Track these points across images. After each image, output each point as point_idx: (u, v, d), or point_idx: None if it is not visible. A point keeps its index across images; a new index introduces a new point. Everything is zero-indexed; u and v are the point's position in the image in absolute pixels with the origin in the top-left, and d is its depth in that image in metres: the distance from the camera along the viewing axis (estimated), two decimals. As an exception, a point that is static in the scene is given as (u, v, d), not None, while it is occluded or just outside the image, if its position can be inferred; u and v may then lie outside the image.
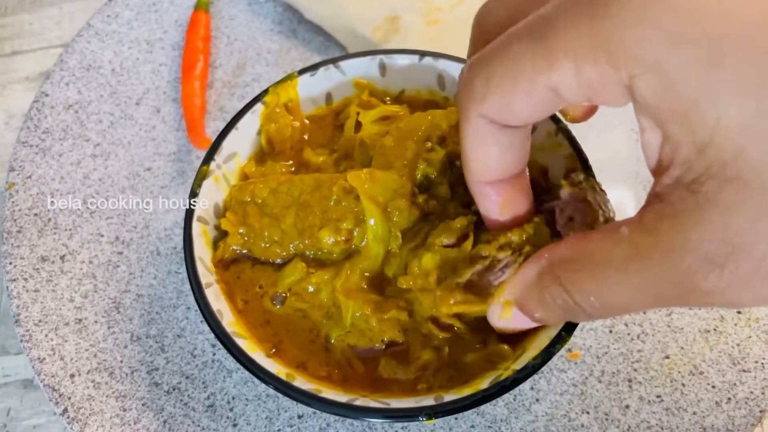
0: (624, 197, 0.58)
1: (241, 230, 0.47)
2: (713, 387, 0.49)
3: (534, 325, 0.37)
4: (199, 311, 0.44)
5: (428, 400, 0.40)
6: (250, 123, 0.51)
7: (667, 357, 0.51)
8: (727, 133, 0.25)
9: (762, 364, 0.50)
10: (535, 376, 0.50)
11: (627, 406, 0.49)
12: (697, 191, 0.27)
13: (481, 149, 0.36)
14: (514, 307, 0.37)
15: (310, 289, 0.45)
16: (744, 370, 0.50)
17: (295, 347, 0.44)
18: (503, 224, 0.40)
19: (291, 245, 0.46)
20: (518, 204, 0.39)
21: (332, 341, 0.44)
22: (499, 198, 0.38)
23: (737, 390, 0.49)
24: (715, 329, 0.52)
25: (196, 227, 0.46)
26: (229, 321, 0.44)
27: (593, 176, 0.44)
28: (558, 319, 0.35)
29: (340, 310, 0.44)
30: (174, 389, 0.51)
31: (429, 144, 0.46)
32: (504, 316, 0.37)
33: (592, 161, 0.48)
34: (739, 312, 0.52)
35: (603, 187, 0.42)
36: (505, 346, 0.43)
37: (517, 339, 0.43)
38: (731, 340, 0.51)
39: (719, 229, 0.26)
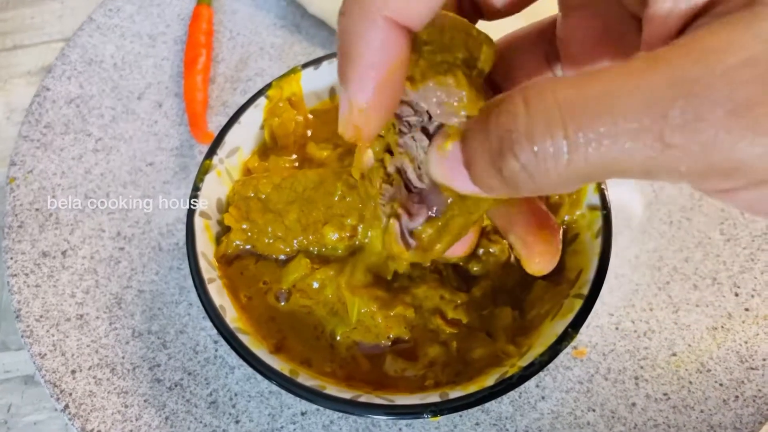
0: (630, 194, 0.57)
1: (244, 226, 0.47)
2: (721, 385, 0.49)
3: (466, 185, 0.27)
4: (201, 307, 0.43)
5: (433, 397, 0.40)
6: (253, 117, 0.51)
7: (674, 354, 0.50)
8: None
9: (770, 361, 0.50)
10: (541, 374, 0.49)
11: (633, 404, 0.48)
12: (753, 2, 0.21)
13: None
14: (457, 139, 0.27)
15: (315, 285, 0.44)
16: (752, 368, 0.49)
17: (300, 344, 0.44)
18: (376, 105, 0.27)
19: (295, 241, 0.46)
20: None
21: (338, 338, 0.44)
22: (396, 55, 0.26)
23: (745, 388, 0.48)
24: (722, 326, 0.51)
25: (199, 222, 0.46)
26: (232, 317, 0.43)
27: None
28: (489, 169, 0.24)
29: (346, 306, 0.43)
30: (176, 385, 0.50)
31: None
32: (442, 147, 0.28)
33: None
34: (746, 309, 0.52)
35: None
36: (511, 347, 0.42)
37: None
38: (739, 338, 0.51)
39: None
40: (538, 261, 0.34)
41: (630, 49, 0.29)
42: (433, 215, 0.33)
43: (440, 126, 0.30)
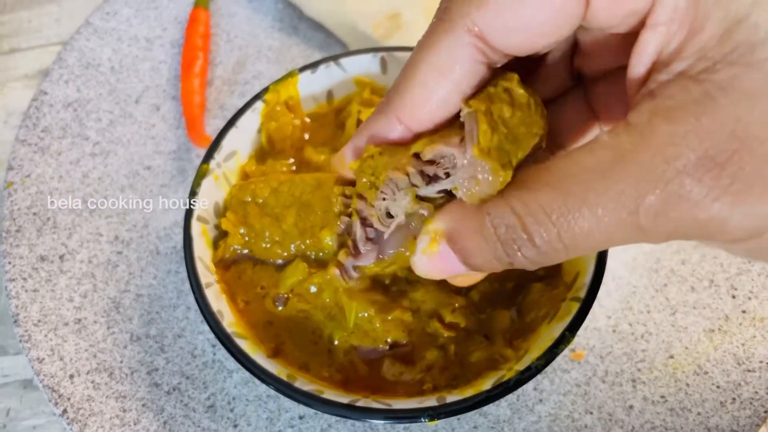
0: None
1: (241, 230, 0.47)
2: (718, 387, 0.49)
3: (458, 272, 0.31)
4: (199, 311, 0.43)
5: (431, 401, 0.40)
6: (251, 121, 0.51)
7: (672, 357, 0.50)
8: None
9: (767, 364, 0.50)
10: (539, 377, 0.49)
11: (631, 407, 0.48)
12: (707, 80, 0.24)
13: (436, 79, 0.30)
14: (443, 240, 0.30)
15: (313, 289, 0.44)
16: (749, 370, 0.49)
17: (298, 348, 0.44)
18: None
19: (292, 245, 0.46)
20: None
21: (335, 342, 0.44)
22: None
23: (742, 390, 0.49)
24: (719, 329, 0.51)
25: (196, 226, 0.46)
26: (229, 321, 0.43)
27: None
28: (491, 259, 0.29)
29: (343, 311, 0.43)
30: (174, 390, 0.50)
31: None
32: (429, 251, 0.31)
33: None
34: (743, 312, 0.52)
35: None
36: (509, 350, 0.42)
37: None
38: (736, 340, 0.51)
39: (730, 120, 0.24)
40: (458, 280, 0.36)
41: None
42: (383, 257, 0.37)
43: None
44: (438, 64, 0.29)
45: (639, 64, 0.27)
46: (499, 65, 0.31)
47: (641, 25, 0.27)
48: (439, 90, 0.30)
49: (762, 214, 0.24)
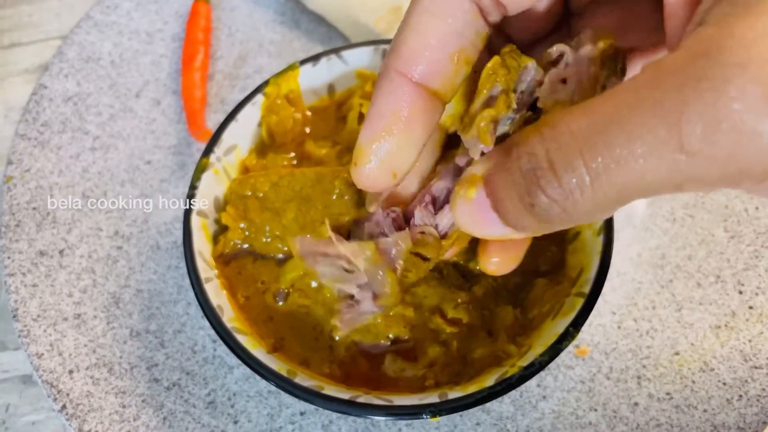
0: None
1: (241, 225, 0.46)
2: (724, 384, 0.48)
3: (495, 227, 0.28)
4: (199, 306, 0.43)
5: (432, 398, 0.40)
6: (251, 115, 0.50)
7: (677, 353, 0.50)
8: None
9: (774, 360, 0.49)
10: (542, 373, 0.49)
11: (636, 404, 0.48)
12: None
13: (431, 15, 0.28)
14: (480, 184, 0.27)
15: (313, 284, 0.44)
16: (755, 367, 0.49)
17: (299, 344, 0.44)
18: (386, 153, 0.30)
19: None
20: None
21: (336, 338, 0.43)
22: (410, 113, 0.29)
23: (749, 387, 0.48)
24: (726, 325, 0.50)
25: (196, 221, 0.46)
26: (229, 317, 0.43)
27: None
28: (517, 203, 0.25)
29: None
30: (174, 385, 0.50)
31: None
32: (467, 194, 0.28)
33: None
34: (750, 308, 0.51)
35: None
36: (512, 346, 0.42)
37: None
38: (742, 337, 0.50)
39: None
40: (493, 263, 0.35)
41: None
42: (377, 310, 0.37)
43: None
44: (430, 8, 0.28)
45: None
46: (490, 18, 0.30)
47: None
48: (434, 32, 0.28)
49: None
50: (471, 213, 0.28)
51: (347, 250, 0.35)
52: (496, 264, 0.35)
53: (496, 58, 0.30)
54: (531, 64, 0.30)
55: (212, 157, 0.47)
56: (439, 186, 0.35)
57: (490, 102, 0.29)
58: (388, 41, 0.52)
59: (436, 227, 0.35)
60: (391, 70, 0.29)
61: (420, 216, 0.35)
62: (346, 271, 0.36)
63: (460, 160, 0.33)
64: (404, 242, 0.35)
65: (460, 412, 0.47)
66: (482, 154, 0.29)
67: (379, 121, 0.30)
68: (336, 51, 0.52)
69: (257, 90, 0.50)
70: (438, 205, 0.35)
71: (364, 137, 0.30)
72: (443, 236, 0.35)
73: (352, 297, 0.37)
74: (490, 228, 0.28)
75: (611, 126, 0.21)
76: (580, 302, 0.41)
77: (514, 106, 0.29)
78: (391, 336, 0.43)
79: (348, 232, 0.39)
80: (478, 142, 0.28)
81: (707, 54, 0.20)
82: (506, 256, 0.35)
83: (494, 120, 0.28)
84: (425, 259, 0.36)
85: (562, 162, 0.23)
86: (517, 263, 0.35)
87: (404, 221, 0.36)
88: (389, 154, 0.30)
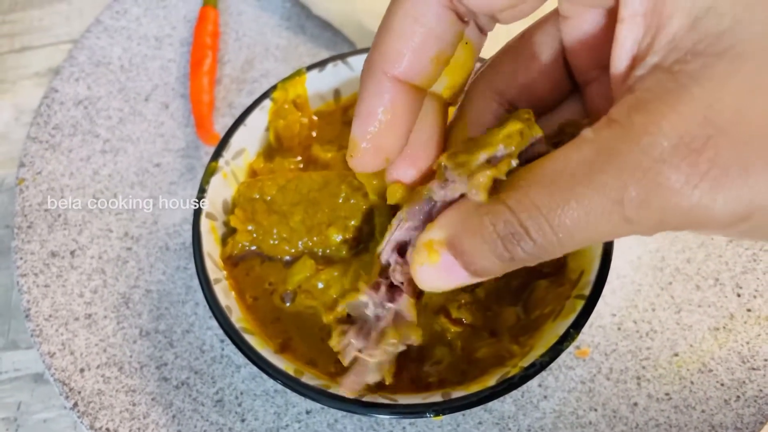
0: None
1: (249, 227, 0.47)
2: (722, 385, 0.49)
3: (463, 281, 0.31)
4: (207, 307, 0.44)
5: (436, 397, 0.41)
6: (259, 119, 0.51)
7: (676, 355, 0.50)
8: None
9: (771, 362, 0.50)
10: (543, 373, 0.50)
11: (635, 404, 0.49)
12: (680, 71, 0.25)
13: (413, 20, 0.31)
14: (443, 248, 0.30)
15: (320, 285, 0.45)
16: (753, 368, 0.50)
17: (305, 344, 0.45)
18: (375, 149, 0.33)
19: (299, 242, 0.46)
20: (420, 130, 0.35)
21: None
22: (394, 107, 0.32)
23: (746, 388, 0.49)
24: (724, 327, 0.51)
25: (205, 223, 0.47)
26: (237, 317, 0.44)
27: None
28: (493, 259, 0.29)
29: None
30: (183, 384, 0.51)
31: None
32: (429, 260, 0.31)
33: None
34: (748, 310, 0.52)
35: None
36: (515, 346, 0.43)
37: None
38: (741, 338, 0.51)
39: (702, 107, 0.24)
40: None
41: None
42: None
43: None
44: (412, 12, 0.31)
45: (619, 60, 0.28)
46: (466, 19, 0.32)
47: (614, 18, 0.28)
48: (414, 37, 0.31)
49: (743, 198, 0.24)
50: (437, 275, 0.31)
51: (379, 357, 0.38)
52: None
53: (519, 125, 0.31)
54: (541, 136, 0.32)
55: (221, 161, 0.48)
56: (405, 229, 0.37)
57: (493, 161, 0.31)
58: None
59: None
60: (377, 70, 0.32)
61: (400, 273, 0.38)
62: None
63: (438, 194, 0.34)
64: (408, 305, 0.38)
65: (463, 412, 0.48)
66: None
67: (368, 115, 0.33)
68: (342, 57, 0.53)
69: (265, 95, 0.51)
70: (400, 246, 0.38)
71: (356, 131, 0.33)
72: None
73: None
74: (456, 281, 0.31)
75: (569, 202, 0.26)
76: (580, 304, 0.42)
77: (512, 168, 0.31)
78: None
79: (348, 315, 0.40)
80: (472, 191, 0.30)
81: (640, 143, 0.25)
82: None
83: (494, 179, 0.30)
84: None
85: (533, 228, 0.27)
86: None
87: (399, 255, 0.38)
88: (380, 143, 0.33)
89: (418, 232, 0.37)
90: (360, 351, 0.38)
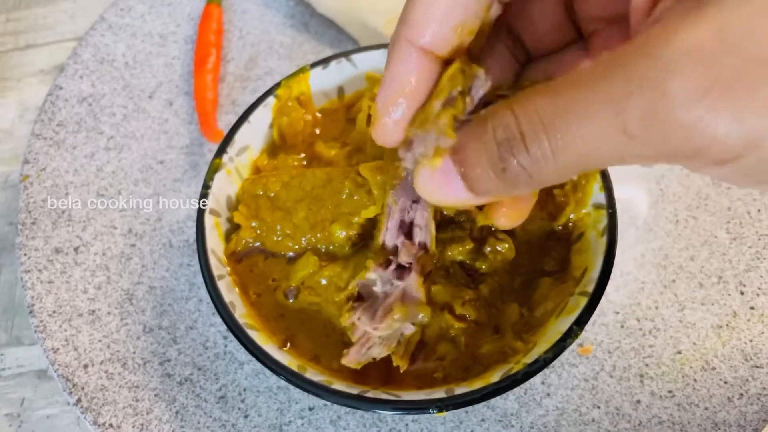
0: (636, 193, 0.58)
1: (253, 223, 0.47)
2: (725, 383, 0.49)
3: (457, 196, 0.31)
4: (211, 303, 0.44)
5: (439, 393, 0.41)
6: (263, 116, 0.51)
7: (679, 352, 0.50)
8: None
9: (775, 360, 0.50)
10: (546, 371, 0.50)
11: (638, 401, 0.49)
12: None
13: None
14: (447, 154, 0.31)
15: (323, 282, 0.45)
16: (756, 366, 0.50)
17: (310, 340, 0.45)
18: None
19: (303, 239, 0.46)
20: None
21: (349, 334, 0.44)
22: (418, 76, 0.32)
23: (749, 386, 0.49)
24: (727, 325, 0.51)
25: (209, 220, 0.47)
26: (241, 313, 0.44)
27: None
28: (487, 169, 0.29)
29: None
30: (186, 380, 0.51)
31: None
32: (432, 164, 0.31)
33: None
34: (751, 308, 0.52)
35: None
36: (519, 343, 0.43)
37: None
38: (744, 336, 0.51)
39: (715, 24, 0.23)
40: (503, 220, 0.37)
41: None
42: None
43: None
44: None
45: None
46: None
47: None
48: (441, 6, 0.31)
49: (746, 122, 0.23)
50: (436, 180, 0.31)
51: (384, 331, 0.39)
52: (506, 218, 0.37)
53: (456, 65, 0.32)
54: (481, 72, 0.32)
55: (225, 158, 0.49)
56: (400, 210, 0.39)
57: (450, 102, 0.31)
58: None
59: (420, 245, 0.39)
60: (402, 39, 0.32)
61: (406, 254, 0.39)
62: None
63: (408, 158, 0.34)
64: (416, 284, 0.39)
65: (466, 409, 0.48)
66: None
67: (392, 84, 0.33)
68: (346, 54, 0.53)
69: (269, 92, 0.51)
70: (405, 229, 0.39)
71: (380, 100, 0.33)
72: (426, 248, 0.39)
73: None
74: (453, 193, 0.31)
75: (570, 110, 0.25)
76: (583, 301, 0.42)
77: (470, 108, 0.32)
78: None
79: (358, 294, 0.41)
80: (438, 137, 0.31)
81: (651, 55, 0.24)
82: (514, 211, 0.37)
83: (456, 117, 0.31)
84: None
85: (530, 135, 0.26)
86: (524, 218, 0.37)
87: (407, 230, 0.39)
88: (402, 114, 0.33)
89: (422, 207, 0.38)
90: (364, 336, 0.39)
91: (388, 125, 0.33)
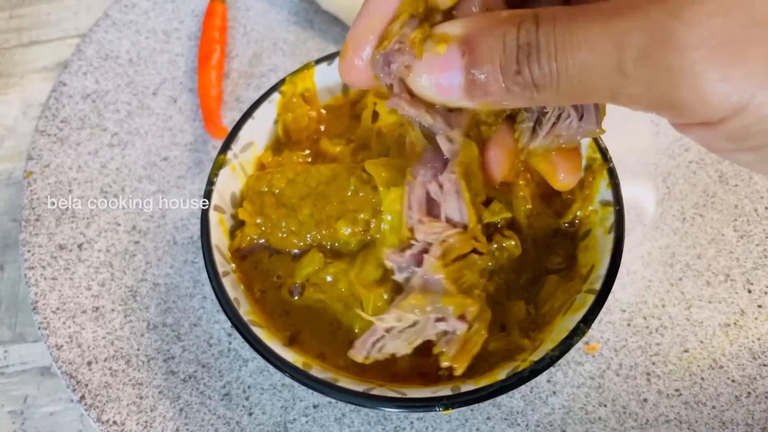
0: (643, 191, 0.57)
1: (258, 220, 0.47)
2: (733, 381, 0.49)
3: (452, 93, 0.29)
4: (215, 300, 0.44)
5: (445, 391, 0.40)
6: (267, 112, 0.51)
7: (686, 351, 0.50)
8: None
9: (783, 359, 0.49)
10: (552, 369, 0.49)
11: (645, 400, 0.48)
12: None
13: None
14: (455, 42, 0.28)
15: (329, 279, 0.45)
16: (764, 365, 0.49)
17: (315, 338, 0.44)
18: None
19: (308, 235, 0.46)
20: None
21: (356, 331, 0.44)
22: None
23: (757, 384, 0.48)
24: (735, 323, 0.51)
25: (213, 216, 0.46)
26: (246, 310, 0.44)
27: None
28: (498, 73, 0.28)
29: (360, 301, 0.43)
30: (190, 378, 0.51)
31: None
32: (434, 50, 0.29)
33: (611, 153, 0.47)
34: (759, 306, 0.51)
35: None
36: (525, 340, 0.42)
37: None
38: (751, 335, 0.50)
39: None
40: (564, 176, 0.36)
41: None
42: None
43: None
44: None
45: None
46: None
47: None
48: None
49: (739, 80, 0.23)
50: (433, 69, 0.29)
51: (394, 320, 0.34)
52: (565, 176, 0.36)
53: None
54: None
55: (229, 154, 0.48)
56: (418, 192, 0.34)
57: (412, 23, 0.30)
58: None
59: (449, 221, 0.34)
60: None
61: (424, 233, 0.34)
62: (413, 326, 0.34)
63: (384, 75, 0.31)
64: (432, 269, 0.33)
65: (472, 406, 0.48)
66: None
67: (367, 19, 0.31)
68: (351, 50, 0.52)
69: (273, 88, 0.51)
70: (427, 209, 0.34)
71: (352, 35, 0.31)
72: (462, 225, 0.34)
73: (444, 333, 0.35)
74: (447, 90, 0.29)
75: (581, 37, 0.26)
76: (590, 299, 0.42)
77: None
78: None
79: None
80: (406, 55, 0.29)
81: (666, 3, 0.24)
82: (570, 167, 0.36)
83: (423, 39, 0.29)
84: (478, 253, 0.34)
85: (544, 47, 0.26)
86: (580, 172, 0.37)
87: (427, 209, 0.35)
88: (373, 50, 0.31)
89: (448, 175, 0.33)
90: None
91: (358, 62, 0.31)
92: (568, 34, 0.26)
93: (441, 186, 0.33)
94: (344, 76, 0.32)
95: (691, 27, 0.23)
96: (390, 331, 0.34)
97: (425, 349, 0.43)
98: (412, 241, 0.34)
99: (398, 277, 0.34)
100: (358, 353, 0.34)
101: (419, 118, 0.32)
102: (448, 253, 0.33)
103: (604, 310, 0.42)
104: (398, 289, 0.43)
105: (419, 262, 0.33)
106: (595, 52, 0.25)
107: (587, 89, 0.27)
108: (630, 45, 0.25)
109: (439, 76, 0.29)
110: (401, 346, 0.34)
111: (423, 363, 0.43)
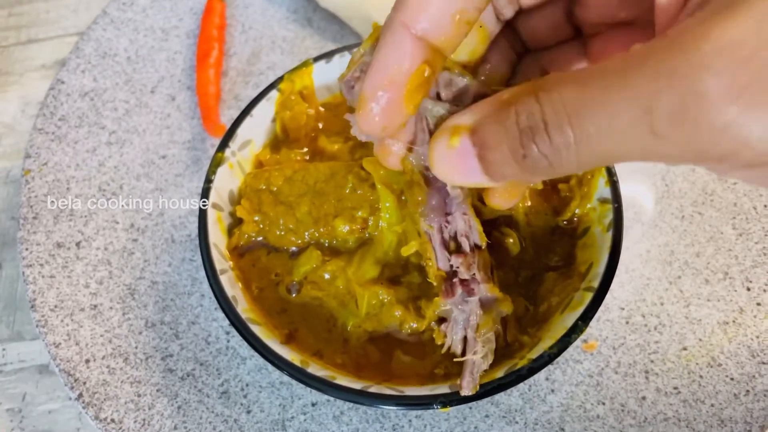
0: (641, 188, 0.57)
1: (256, 218, 0.47)
2: (731, 379, 0.49)
3: (472, 177, 0.30)
4: (213, 298, 0.44)
5: (443, 388, 0.40)
6: (265, 110, 0.51)
7: (685, 349, 0.50)
8: None
9: (781, 356, 0.49)
10: (551, 367, 0.49)
11: (643, 398, 0.48)
12: None
13: None
14: (466, 133, 0.29)
15: (326, 276, 0.44)
16: (763, 363, 0.49)
17: (312, 335, 0.44)
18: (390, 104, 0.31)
19: (306, 233, 0.46)
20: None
21: (349, 329, 0.44)
22: (413, 59, 0.30)
23: (756, 382, 0.48)
24: (733, 321, 0.51)
25: (211, 214, 0.46)
26: (243, 308, 0.44)
27: None
28: (507, 154, 0.28)
29: (356, 298, 0.43)
30: (188, 376, 0.51)
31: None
32: (448, 143, 0.30)
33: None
34: (758, 304, 0.51)
35: None
36: (525, 337, 0.42)
37: None
38: (750, 333, 0.50)
39: (756, 18, 0.22)
40: (498, 201, 0.36)
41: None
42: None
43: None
44: None
45: None
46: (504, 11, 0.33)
47: None
48: None
49: None
50: (452, 160, 0.30)
51: (481, 347, 0.39)
52: (501, 198, 0.36)
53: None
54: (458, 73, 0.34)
55: (227, 152, 0.48)
56: (437, 237, 0.38)
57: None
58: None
59: (473, 246, 0.38)
60: (396, 23, 0.30)
61: (465, 268, 0.37)
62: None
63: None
64: (489, 291, 0.38)
65: (470, 404, 0.48)
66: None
67: (382, 70, 0.31)
68: (349, 48, 0.52)
69: (272, 86, 0.51)
70: (451, 246, 0.38)
71: (368, 86, 0.31)
72: (480, 246, 0.38)
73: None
74: (468, 175, 0.30)
75: (597, 102, 0.24)
76: (589, 296, 0.41)
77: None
78: (407, 327, 0.43)
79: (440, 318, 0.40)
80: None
81: (684, 50, 0.23)
82: (510, 192, 0.36)
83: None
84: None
85: (554, 124, 0.25)
86: (519, 199, 0.37)
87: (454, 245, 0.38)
88: (388, 101, 0.31)
89: (459, 213, 0.37)
90: (465, 348, 0.38)
91: (375, 112, 0.31)
92: (579, 103, 0.25)
93: (456, 233, 0.38)
94: (363, 127, 0.32)
95: (726, 77, 0.22)
96: (483, 357, 0.38)
97: (421, 350, 0.44)
98: (454, 280, 0.38)
99: (456, 315, 0.38)
100: (469, 389, 0.38)
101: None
102: (486, 271, 0.38)
103: (602, 308, 0.42)
104: (393, 287, 0.43)
105: (470, 293, 0.38)
106: (618, 119, 0.24)
107: (614, 154, 0.25)
108: (660, 108, 0.23)
109: (458, 168, 0.30)
110: (489, 358, 0.39)
111: (419, 363, 0.43)
